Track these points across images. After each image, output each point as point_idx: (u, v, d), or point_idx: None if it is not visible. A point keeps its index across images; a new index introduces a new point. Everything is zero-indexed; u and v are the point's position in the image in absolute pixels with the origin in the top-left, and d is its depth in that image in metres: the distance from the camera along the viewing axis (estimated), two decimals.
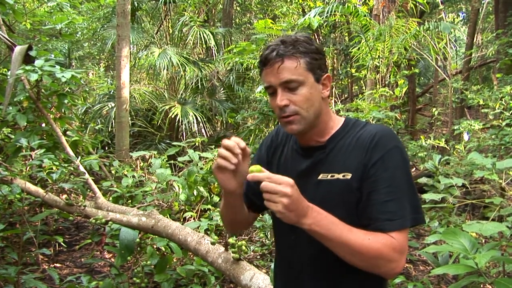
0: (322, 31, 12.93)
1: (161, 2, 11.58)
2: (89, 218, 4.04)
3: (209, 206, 4.98)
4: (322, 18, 8.05)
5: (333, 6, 7.90)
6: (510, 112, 5.82)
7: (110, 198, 5.14)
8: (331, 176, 1.45)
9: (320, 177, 1.47)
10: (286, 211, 1.23)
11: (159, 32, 12.81)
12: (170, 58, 10.21)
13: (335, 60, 14.19)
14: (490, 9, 15.59)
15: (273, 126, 7.90)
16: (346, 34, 13.20)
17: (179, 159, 5.46)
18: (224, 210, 1.64)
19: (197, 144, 6.35)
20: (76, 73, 5.38)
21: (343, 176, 1.43)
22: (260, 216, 5.05)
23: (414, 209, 1.39)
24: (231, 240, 2.79)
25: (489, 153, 5.95)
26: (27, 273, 4.04)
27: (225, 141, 1.40)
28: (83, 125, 10.01)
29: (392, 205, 1.36)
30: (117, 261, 3.51)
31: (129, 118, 8.50)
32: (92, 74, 15.79)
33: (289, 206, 1.23)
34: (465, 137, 6.34)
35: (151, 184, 5.20)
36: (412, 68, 8.85)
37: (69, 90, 6.33)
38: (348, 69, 11.57)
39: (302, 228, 1.30)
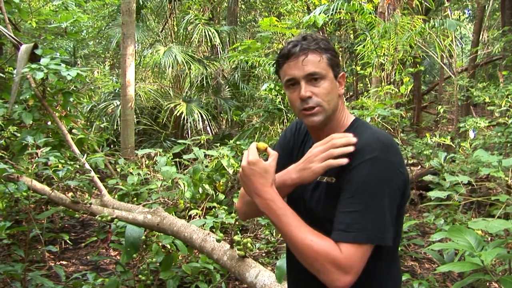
0: (327, 29, 12.90)
1: (166, 0, 11.58)
2: (94, 215, 4.05)
3: (215, 204, 4.99)
4: (327, 16, 8.05)
5: (338, 3, 7.90)
6: None
7: (116, 196, 5.15)
8: (325, 180, 1.49)
9: (318, 178, 1.50)
10: (241, 179, 1.47)
11: (164, 30, 12.81)
12: (175, 56, 10.21)
13: (340, 58, 14.14)
14: (496, 6, 15.50)
15: (278, 124, 7.89)
16: (351, 31, 13.19)
17: (185, 157, 5.47)
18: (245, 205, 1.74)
19: (202, 142, 6.35)
20: (81, 72, 5.40)
21: (331, 180, 1.47)
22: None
23: (377, 227, 1.32)
24: (236, 238, 2.79)
25: (495, 150, 5.92)
26: (34, 270, 4.06)
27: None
28: (88, 123, 10.03)
29: (350, 217, 1.33)
30: (122, 258, 3.52)
31: (134, 116, 8.51)
32: (97, 72, 15.81)
33: (242, 177, 1.46)
34: (471, 134, 6.31)
35: (156, 182, 5.20)
36: (418, 65, 8.80)
37: (75, 89, 6.35)
38: (353, 66, 11.55)
39: None
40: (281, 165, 1.53)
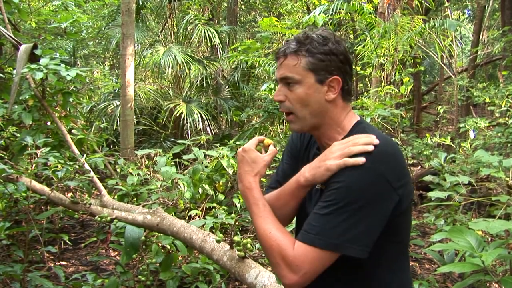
0: None
1: (166, 0, 11.58)
2: (94, 216, 4.04)
3: (214, 204, 4.98)
4: (327, 16, 8.04)
5: (338, 3, 7.90)
6: None
7: (115, 196, 5.14)
8: (320, 187, 1.47)
9: (317, 186, 1.49)
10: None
11: (163, 31, 12.81)
12: (175, 56, 10.20)
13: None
14: (496, 6, 15.49)
15: (278, 124, 7.90)
16: (351, 32, 13.19)
17: (184, 157, 5.46)
18: None
19: (202, 142, 6.34)
20: (81, 72, 5.40)
21: (323, 187, 1.42)
22: None
23: (339, 234, 1.26)
24: (236, 238, 2.78)
25: (495, 151, 5.92)
26: (33, 270, 4.05)
27: None
28: (88, 124, 10.02)
29: (315, 219, 1.31)
30: (122, 259, 3.52)
31: (134, 117, 8.50)
32: (97, 72, 15.80)
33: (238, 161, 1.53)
34: (471, 135, 6.31)
35: (156, 182, 5.20)
36: (418, 66, 8.81)
37: (74, 89, 6.34)
38: (353, 67, 11.55)
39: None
40: (293, 172, 1.50)
